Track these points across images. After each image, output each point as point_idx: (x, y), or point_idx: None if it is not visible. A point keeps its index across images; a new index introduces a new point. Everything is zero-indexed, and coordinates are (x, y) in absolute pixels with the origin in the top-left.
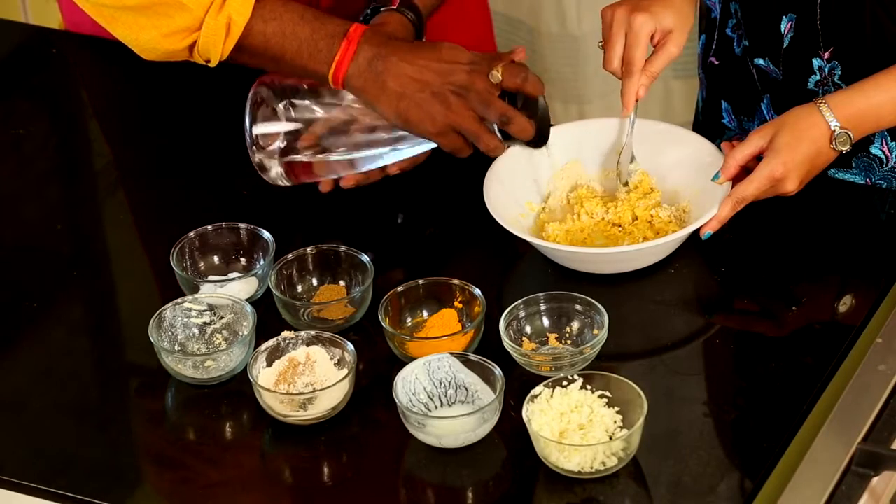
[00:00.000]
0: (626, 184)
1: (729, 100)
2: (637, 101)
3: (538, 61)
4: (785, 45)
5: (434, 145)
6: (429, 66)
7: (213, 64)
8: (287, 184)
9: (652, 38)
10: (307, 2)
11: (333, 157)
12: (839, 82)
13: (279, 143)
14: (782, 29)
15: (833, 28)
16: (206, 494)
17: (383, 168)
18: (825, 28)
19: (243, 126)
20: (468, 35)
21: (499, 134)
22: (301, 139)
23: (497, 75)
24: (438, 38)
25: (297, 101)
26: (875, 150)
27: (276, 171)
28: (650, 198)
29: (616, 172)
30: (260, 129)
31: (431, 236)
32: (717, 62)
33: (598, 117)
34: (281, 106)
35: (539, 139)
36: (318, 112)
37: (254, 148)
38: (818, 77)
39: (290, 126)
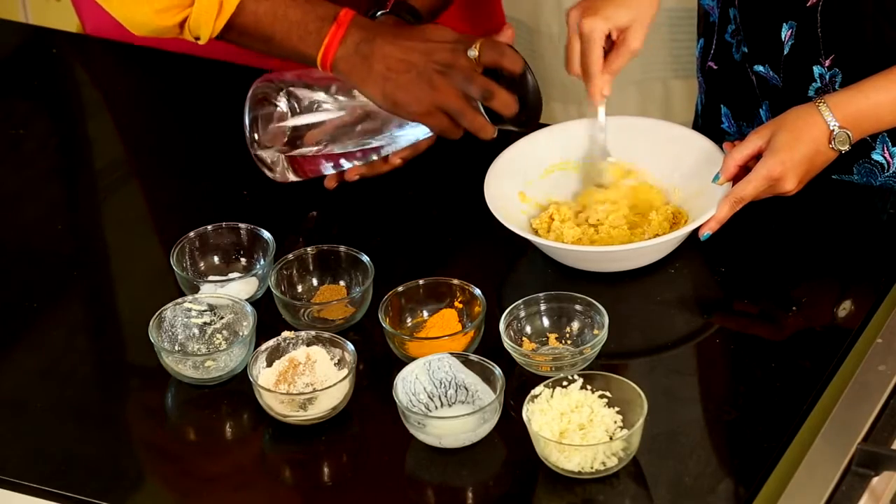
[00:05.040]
0: (600, 185)
1: (728, 104)
2: (604, 97)
3: (538, 62)
4: (785, 52)
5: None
6: (414, 47)
7: (202, 41)
8: (294, 179)
9: (611, 34)
10: None
11: (334, 150)
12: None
13: (280, 139)
14: (783, 36)
15: (834, 35)
16: (206, 494)
17: (386, 158)
18: (826, 36)
19: (242, 122)
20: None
21: (485, 115)
22: (304, 135)
23: (474, 52)
24: None
25: (297, 96)
26: (876, 156)
27: (278, 167)
28: (627, 184)
29: (589, 175)
30: (260, 124)
31: (431, 235)
32: (715, 67)
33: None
34: (282, 102)
35: (528, 118)
36: (318, 107)
37: (254, 144)
38: (818, 84)
39: (291, 122)
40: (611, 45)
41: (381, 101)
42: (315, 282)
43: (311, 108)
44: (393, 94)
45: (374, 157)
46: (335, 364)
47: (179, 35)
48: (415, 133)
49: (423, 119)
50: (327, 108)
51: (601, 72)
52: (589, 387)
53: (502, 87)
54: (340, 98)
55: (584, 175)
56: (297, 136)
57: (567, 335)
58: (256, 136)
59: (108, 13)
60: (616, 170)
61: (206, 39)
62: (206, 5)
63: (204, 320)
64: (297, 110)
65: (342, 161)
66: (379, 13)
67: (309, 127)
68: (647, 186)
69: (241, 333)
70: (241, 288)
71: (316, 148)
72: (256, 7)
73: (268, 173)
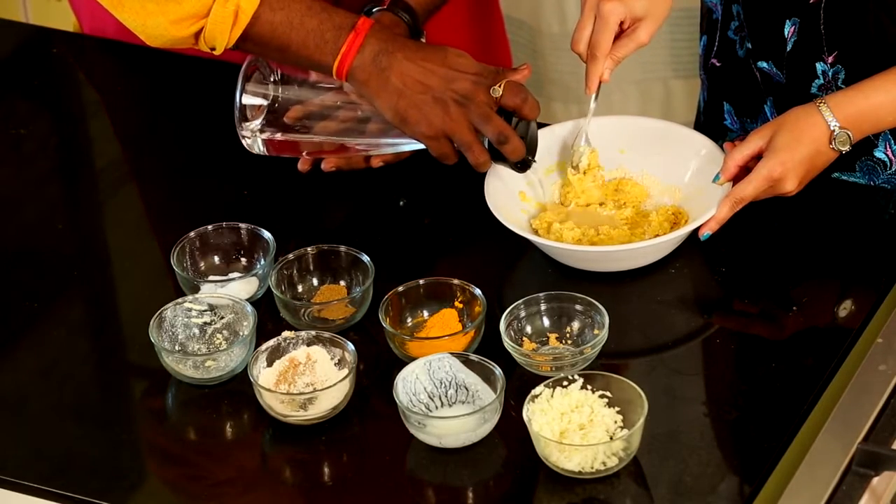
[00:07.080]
0: (576, 167)
1: (731, 101)
2: (600, 84)
3: (539, 61)
4: (788, 48)
5: (421, 146)
6: (434, 70)
7: (218, 52)
8: (265, 153)
9: (623, 23)
10: None
11: (317, 137)
12: (842, 87)
13: (265, 114)
14: (786, 33)
15: (836, 32)
16: (207, 494)
17: (367, 157)
18: (829, 32)
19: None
20: (480, 38)
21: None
22: (288, 112)
23: (498, 90)
24: (450, 41)
25: (290, 77)
26: (879, 154)
27: (257, 140)
28: (594, 176)
29: (569, 157)
30: (249, 97)
31: (431, 235)
32: (718, 64)
33: (597, 115)
34: (273, 78)
35: (524, 163)
36: (310, 91)
37: (240, 116)
38: (821, 81)
39: (280, 99)
40: (619, 34)
41: (391, 115)
42: (315, 282)
43: (301, 90)
44: (405, 111)
45: (356, 154)
46: (335, 364)
47: (194, 45)
48: (405, 146)
49: (428, 141)
50: (314, 91)
51: (605, 56)
52: (589, 387)
53: (514, 132)
54: (330, 86)
55: (567, 160)
56: (280, 114)
57: (567, 335)
58: (241, 108)
59: (106, 13)
60: (594, 158)
61: (222, 50)
62: (222, 16)
63: (204, 320)
64: (285, 90)
65: (320, 149)
66: (375, 9)
67: (294, 106)
68: (632, 182)
69: (241, 333)
70: (241, 288)
71: (297, 130)
72: (272, 16)
73: (245, 144)
